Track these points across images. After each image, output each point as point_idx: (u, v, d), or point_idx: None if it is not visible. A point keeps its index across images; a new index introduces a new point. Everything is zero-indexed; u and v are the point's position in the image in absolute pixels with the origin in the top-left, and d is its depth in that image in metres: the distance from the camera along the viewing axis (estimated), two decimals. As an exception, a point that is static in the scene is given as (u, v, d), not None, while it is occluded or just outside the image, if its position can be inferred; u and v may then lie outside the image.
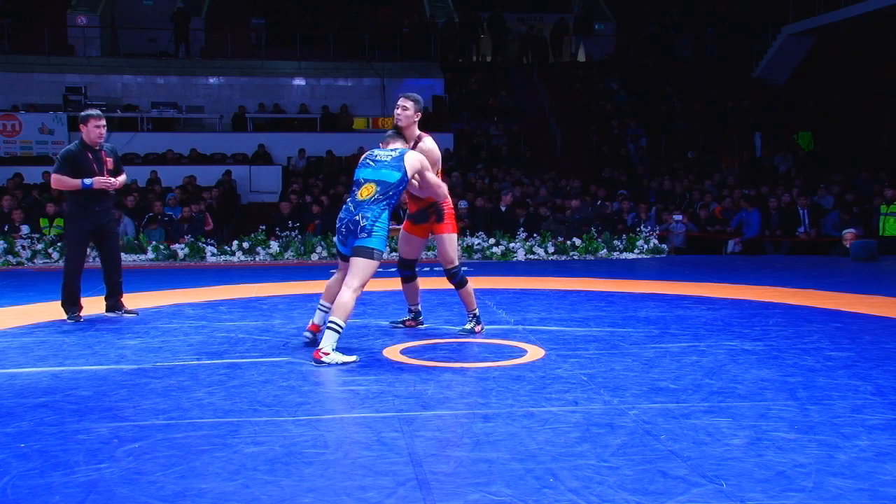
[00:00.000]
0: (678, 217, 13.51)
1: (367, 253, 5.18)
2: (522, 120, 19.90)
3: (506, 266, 11.28)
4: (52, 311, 7.06)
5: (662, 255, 12.61)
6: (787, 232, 13.44)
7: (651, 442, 3.42)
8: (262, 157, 18.04)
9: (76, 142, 6.68)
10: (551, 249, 12.38)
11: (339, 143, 18.41)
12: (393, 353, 5.31)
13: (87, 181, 6.49)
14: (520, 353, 5.30)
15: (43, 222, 12.92)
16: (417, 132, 5.83)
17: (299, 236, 12.41)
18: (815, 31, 19.69)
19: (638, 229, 13.10)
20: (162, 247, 12.10)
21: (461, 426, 3.67)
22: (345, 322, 5.13)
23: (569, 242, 12.57)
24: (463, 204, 13.99)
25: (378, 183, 5.33)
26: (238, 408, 4.01)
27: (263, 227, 12.61)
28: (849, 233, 12.31)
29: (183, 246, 12.15)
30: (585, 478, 3.02)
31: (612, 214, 14.24)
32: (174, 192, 14.66)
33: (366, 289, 7.34)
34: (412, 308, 6.40)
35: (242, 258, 12.10)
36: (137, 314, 6.90)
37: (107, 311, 6.90)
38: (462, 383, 4.48)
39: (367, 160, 5.52)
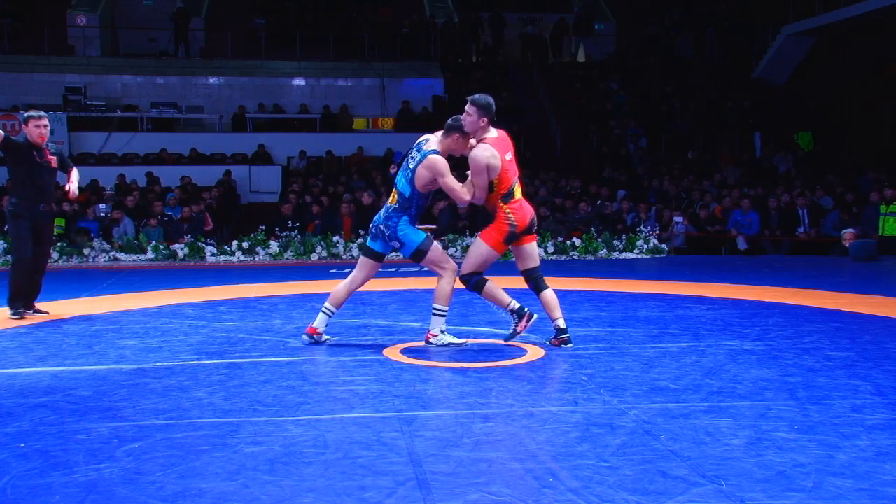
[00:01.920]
0: (678, 218, 13.51)
1: (419, 255, 5.40)
2: (522, 120, 19.90)
3: (505, 266, 11.26)
4: (52, 311, 7.06)
5: (662, 255, 12.61)
6: (786, 232, 13.44)
7: (651, 442, 3.42)
8: (261, 157, 18.03)
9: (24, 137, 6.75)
10: (551, 249, 12.37)
11: (339, 143, 18.41)
12: (393, 352, 5.32)
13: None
14: (520, 352, 5.30)
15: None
16: (486, 136, 5.38)
17: (299, 236, 12.42)
18: (814, 31, 19.68)
19: (638, 229, 13.10)
20: (161, 247, 12.10)
21: (461, 426, 3.67)
22: (447, 305, 5.42)
23: (569, 242, 12.57)
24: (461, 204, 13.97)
25: (398, 193, 5.45)
26: (238, 408, 4.01)
27: (263, 227, 12.61)
28: (848, 232, 12.31)
29: (182, 246, 12.15)
30: (585, 478, 3.02)
31: (611, 214, 14.24)
32: (174, 192, 14.67)
33: (366, 289, 7.35)
34: (554, 324, 5.55)
35: (242, 258, 12.10)
36: (48, 313, 6.85)
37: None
38: (462, 383, 4.48)
39: (407, 160, 5.47)
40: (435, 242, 5.49)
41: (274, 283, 9.37)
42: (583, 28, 23.15)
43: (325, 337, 5.69)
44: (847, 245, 12.08)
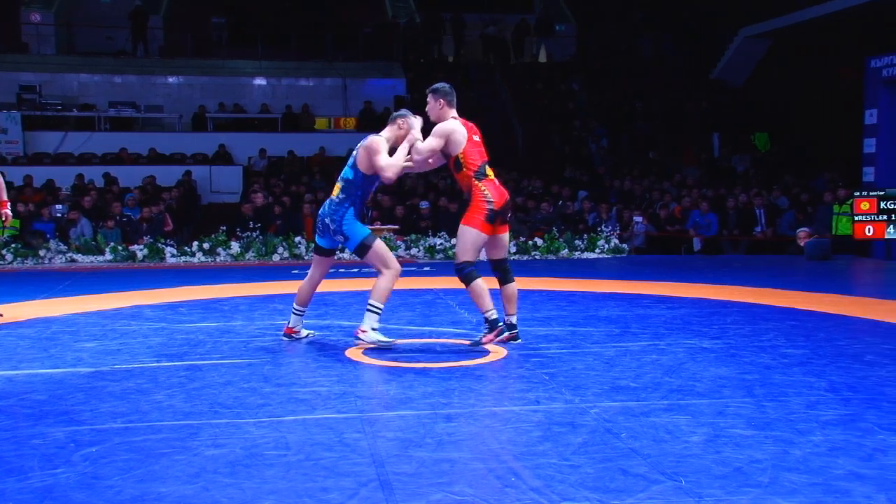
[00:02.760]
0: (638, 218, 13.65)
1: (363, 249, 5.43)
2: (484, 120, 19.92)
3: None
4: (6, 313, 6.92)
5: (623, 255, 12.74)
6: (744, 232, 13.65)
7: (612, 440, 3.45)
8: (222, 157, 17.85)
9: None
10: (513, 249, 12.43)
11: (301, 144, 18.29)
12: (355, 353, 5.30)
13: None
14: (482, 352, 5.31)
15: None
16: (449, 118, 5.58)
17: (260, 237, 12.32)
18: (771, 33, 20.02)
19: (599, 229, 13.22)
20: (120, 248, 11.93)
21: (423, 426, 3.67)
22: (382, 303, 5.44)
23: (530, 242, 12.63)
24: (424, 204, 14.00)
25: (341, 180, 5.53)
26: (198, 410, 3.97)
27: (224, 228, 12.49)
28: (802, 231, 12.55)
29: (142, 247, 11.99)
30: (547, 476, 3.04)
31: (573, 214, 14.35)
32: (133, 193, 14.46)
33: (328, 289, 7.33)
34: (507, 319, 5.67)
35: (203, 259, 11.98)
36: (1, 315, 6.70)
37: None
38: (424, 383, 4.48)
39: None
40: (379, 240, 5.50)
41: (235, 284, 9.29)
42: (544, 29, 23.29)
43: (304, 332, 5.82)
44: (802, 244, 12.32)
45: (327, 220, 5.47)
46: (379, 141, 5.42)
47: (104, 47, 21.21)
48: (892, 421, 3.71)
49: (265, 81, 20.68)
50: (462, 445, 3.40)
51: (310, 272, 5.77)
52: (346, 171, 5.52)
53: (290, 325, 5.79)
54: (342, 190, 5.49)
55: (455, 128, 5.48)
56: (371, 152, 5.37)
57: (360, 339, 5.47)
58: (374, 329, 5.45)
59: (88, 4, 22.59)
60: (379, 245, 5.45)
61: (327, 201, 5.56)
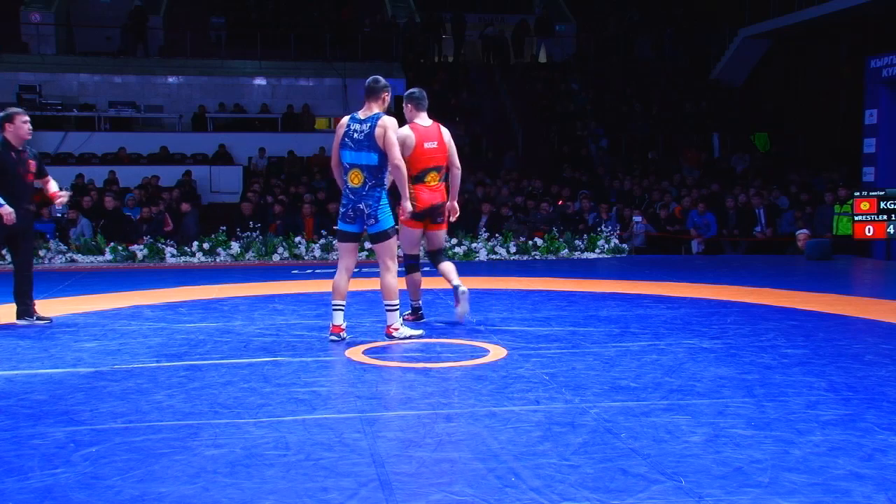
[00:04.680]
0: (637, 218, 13.65)
1: (383, 236, 5.66)
2: (484, 120, 19.95)
3: (468, 266, 11.30)
4: (6, 313, 6.92)
5: (623, 255, 12.73)
6: (744, 232, 13.65)
7: (612, 440, 3.46)
8: (222, 157, 17.85)
9: None
10: (513, 249, 12.43)
11: (301, 143, 18.29)
12: (355, 353, 5.30)
13: (2, 201, 6.12)
14: (482, 352, 5.32)
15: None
16: (416, 120, 6.30)
17: (260, 237, 12.32)
18: (770, 33, 20.03)
19: (599, 229, 13.21)
20: (120, 248, 11.93)
21: (423, 426, 3.67)
22: (398, 298, 5.75)
23: (530, 242, 12.63)
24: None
25: (364, 168, 5.59)
26: (198, 410, 3.97)
27: (224, 228, 12.49)
28: (802, 233, 12.56)
29: (142, 247, 11.98)
30: (547, 476, 3.04)
31: (573, 214, 14.35)
32: (133, 193, 14.45)
33: (327, 289, 7.31)
34: (412, 303, 6.60)
35: (203, 259, 11.97)
36: (51, 321, 6.54)
37: (18, 317, 6.51)
38: (424, 383, 4.48)
39: (346, 138, 5.67)
40: (394, 238, 5.77)
41: (235, 283, 9.29)
42: (544, 29, 23.29)
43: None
44: (801, 246, 12.32)
45: (361, 206, 5.58)
46: (393, 120, 5.62)
47: (104, 47, 21.21)
48: (892, 421, 3.71)
49: (265, 81, 20.68)
50: (462, 445, 3.40)
51: (341, 264, 5.83)
52: (365, 157, 5.56)
53: (336, 324, 5.75)
54: (369, 176, 5.57)
55: (408, 134, 6.16)
56: (389, 127, 5.57)
57: (393, 336, 5.74)
58: (402, 324, 5.81)
59: (88, 4, 22.58)
60: (394, 241, 5.77)
61: (351, 192, 5.62)
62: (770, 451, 3.30)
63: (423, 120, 6.33)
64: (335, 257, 11.88)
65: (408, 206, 5.83)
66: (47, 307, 6.95)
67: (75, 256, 11.87)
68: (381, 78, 5.84)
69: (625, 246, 12.95)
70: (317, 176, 16.35)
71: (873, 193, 12.02)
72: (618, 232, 13.20)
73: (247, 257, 12.05)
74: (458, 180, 6.53)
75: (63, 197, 6.88)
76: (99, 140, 17.88)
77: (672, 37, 23.12)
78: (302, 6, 23.13)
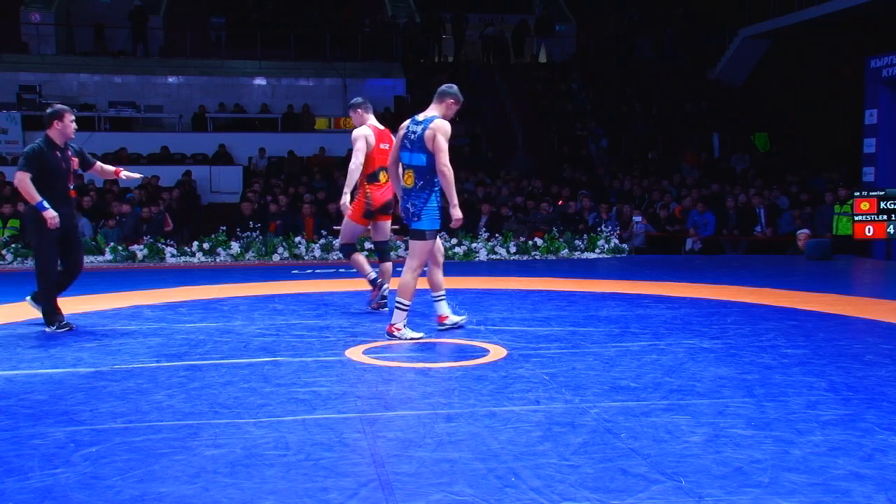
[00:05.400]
0: (637, 218, 13.65)
1: (419, 235, 5.71)
2: (484, 120, 19.96)
3: (468, 266, 11.30)
4: (6, 313, 6.92)
5: (623, 255, 12.73)
6: (744, 231, 13.66)
7: (612, 440, 3.46)
8: (222, 157, 17.85)
9: (41, 139, 6.16)
10: (513, 249, 12.43)
11: (301, 144, 18.29)
12: (355, 353, 5.30)
13: (45, 205, 5.97)
14: (482, 352, 5.32)
15: (-3, 223, 12.67)
16: (368, 123, 6.85)
17: (260, 237, 12.32)
18: (770, 33, 20.03)
19: (599, 229, 13.21)
20: (120, 248, 11.93)
21: (423, 426, 3.67)
22: (410, 300, 5.72)
23: (530, 242, 12.63)
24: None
25: (415, 170, 5.68)
26: (198, 410, 3.97)
27: (224, 228, 12.49)
28: (802, 233, 12.56)
29: (142, 247, 11.98)
30: (547, 476, 3.04)
31: (573, 214, 14.35)
32: (133, 193, 14.45)
33: (328, 289, 7.34)
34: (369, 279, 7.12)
35: (203, 259, 11.97)
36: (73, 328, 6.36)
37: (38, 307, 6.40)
38: (424, 383, 4.48)
39: (404, 140, 5.75)
40: (434, 241, 5.78)
41: (235, 284, 9.28)
42: (544, 29, 23.29)
43: (456, 318, 6.07)
44: (801, 246, 12.32)
45: (409, 206, 5.73)
46: (446, 125, 5.65)
47: (104, 47, 21.21)
48: (892, 421, 3.71)
49: (265, 81, 20.69)
50: (462, 445, 3.40)
51: (431, 258, 5.98)
52: (416, 158, 5.64)
53: (441, 314, 6.01)
54: (418, 177, 5.66)
55: (366, 134, 6.70)
56: (438, 130, 5.59)
57: (393, 335, 5.74)
58: (405, 325, 5.80)
59: (88, 4, 22.58)
60: (430, 245, 5.75)
61: (403, 192, 5.78)
62: (770, 451, 3.30)
63: (376, 123, 6.91)
64: (335, 257, 11.90)
65: (457, 213, 5.71)
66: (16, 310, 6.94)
67: (75, 256, 11.86)
68: (454, 85, 5.93)
69: (625, 246, 12.95)
70: (317, 176, 16.35)
71: (873, 193, 12.02)
72: (618, 232, 13.21)
73: (247, 257, 12.05)
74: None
75: (131, 174, 6.72)
76: (99, 140, 17.85)
77: (672, 37, 23.11)
78: (302, 6, 23.14)
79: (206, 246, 12.05)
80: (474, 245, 12.32)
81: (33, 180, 6.02)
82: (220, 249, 12.06)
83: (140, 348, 5.52)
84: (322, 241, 12.19)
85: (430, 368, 4.87)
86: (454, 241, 12.34)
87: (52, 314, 6.23)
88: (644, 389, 4.30)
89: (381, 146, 6.74)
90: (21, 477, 3.07)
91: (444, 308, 6.07)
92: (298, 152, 18.04)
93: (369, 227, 7.08)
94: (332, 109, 20.32)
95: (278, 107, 19.85)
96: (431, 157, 5.61)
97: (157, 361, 5.09)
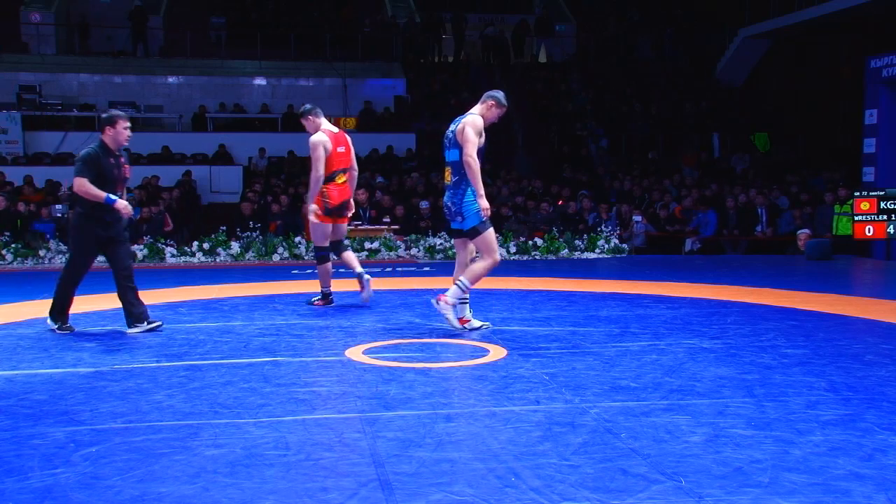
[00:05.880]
0: (637, 218, 13.66)
1: (473, 232, 5.86)
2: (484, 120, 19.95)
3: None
4: (6, 313, 6.92)
5: (623, 255, 12.73)
6: (744, 231, 13.66)
7: (612, 440, 3.45)
8: (222, 157, 17.85)
9: (95, 144, 6.04)
10: (513, 249, 12.43)
11: (301, 144, 18.10)
12: (356, 353, 5.30)
13: (112, 198, 5.90)
14: (482, 352, 5.31)
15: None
16: (323, 128, 7.23)
17: (260, 237, 12.32)
18: (770, 33, 20.03)
19: (599, 229, 13.21)
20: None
21: (423, 426, 3.67)
22: (472, 284, 5.92)
23: (530, 242, 12.63)
24: (424, 204, 14.00)
25: (450, 164, 5.88)
26: (198, 410, 3.97)
27: (224, 228, 12.49)
28: (803, 233, 12.56)
29: (142, 247, 11.98)
30: (547, 476, 3.04)
31: (573, 214, 14.35)
32: (133, 193, 14.45)
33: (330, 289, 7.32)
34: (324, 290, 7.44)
35: (203, 259, 11.97)
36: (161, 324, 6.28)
37: (129, 326, 6.21)
38: (424, 383, 4.48)
39: (445, 138, 5.97)
40: (491, 228, 5.90)
41: (235, 283, 9.28)
42: (544, 29, 23.30)
43: (476, 323, 6.08)
44: (801, 246, 12.32)
45: (449, 204, 5.90)
46: (477, 120, 5.81)
47: (104, 47, 21.21)
48: (892, 421, 3.71)
49: (265, 81, 20.69)
50: (462, 445, 3.40)
51: (457, 259, 6.21)
52: (451, 153, 5.85)
53: (462, 316, 6.06)
54: (454, 172, 5.84)
55: (323, 141, 7.06)
56: (468, 123, 5.76)
57: (439, 305, 5.96)
58: (454, 305, 5.94)
59: (88, 4, 22.59)
60: (490, 233, 5.88)
61: (446, 187, 5.98)
62: (770, 451, 3.30)
63: (329, 126, 7.27)
64: (335, 258, 11.88)
65: (483, 203, 5.79)
66: (48, 307, 6.93)
67: (75, 256, 11.85)
68: (501, 91, 6.07)
69: (625, 246, 12.95)
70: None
71: (873, 193, 12.02)
72: (618, 232, 13.21)
73: (247, 257, 12.05)
74: (356, 180, 7.47)
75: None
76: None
77: (672, 37, 23.12)
78: (302, 6, 23.14)
79: (206, 246, 12.05)
80: (474, 245, 12.31)
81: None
82: (220, 249, 12.07)
83: (140, 348, 5.52)
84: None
85: (430, 368, 4.87)
86: (454, 240, 12.32)
87: (60, 313, 6.17)
88: (644, 389, 4.30)
89: (338, 150, 7.11)
90: (21, 477, 3.07)
91: (463, 310, 6.15)
92: (298, 152, 18.02)
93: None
94: (332, 109, 20.29)
95: (278, 107, 19.85)
96: (461, 152, 5.79)
97: (157, 361, 5.09)
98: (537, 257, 12.42)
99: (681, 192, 15.19)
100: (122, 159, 6.19)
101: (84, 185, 5.90)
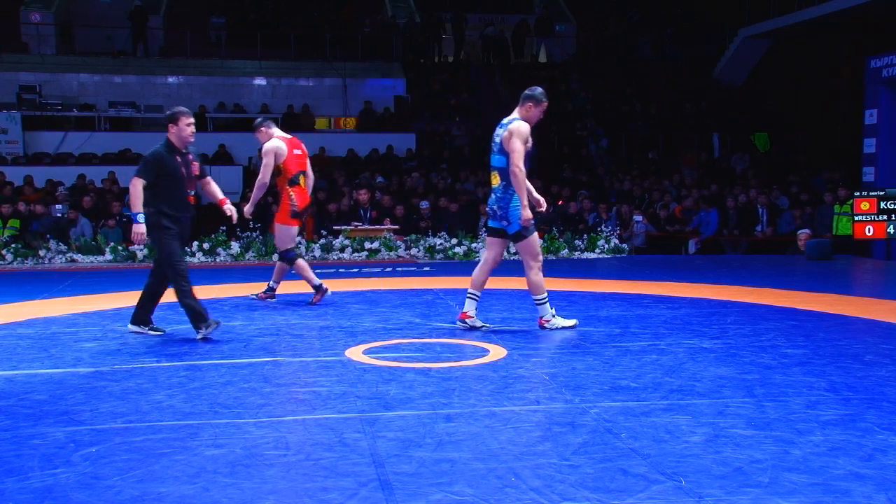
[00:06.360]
0: (638, 218, 13.65)
1: (519, 237, 5.94)
2: (484, 120, 19.97)
3: (468, 266, 11.28)
4: (6, 313, 6.92)
5: (623, 255, 12.73)
6: (744, 231, 13.65)
7: (612, 440, 3.45)
8: (222, 157, 17.84)
9: (162, 143, 5.97)
10: (513, 249, 12.42)
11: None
12: (356, 353, 5.30)
13: (139, 219, 5.76)
14: (482, 352, 5.32)
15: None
16: (277, 135, 7.49)
17: (260, 237, 12.31)
18: (770, 33, 20.03)
19: (599, 229, 13.21)
20: (120, 248, 11.92)
21: (423, 426, 3.67)
22: (544, 292, 6.02)
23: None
24: (424, 204, 14.00)
25: (498, 171, 5.93)
26: (198, 410, 3.97)
27: (224, 228, 12.48)
28: (803, 233, 12.55)
29: (142, 247, 11.98)
30: (547, 476, 3.04)
31: (573, 214, 14.34)
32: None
33: (329, 289, 7.34)
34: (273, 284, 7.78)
35: (203, 259, 11.97)
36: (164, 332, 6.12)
37: (132, 322, 6.09)
38: (424, 383, 4.48)
39: (491, 143, 6.01)
40: (536, 232, 6.00)
41: (235, 283, 9.28)
42: (544, 29, 23.29)
43: (478, 323, 6.12)
44: (801, 246, 12.32)
45: (494, 207, 5.97)
46: (523, 127, 5.85)
47: (104, 47, 21.21)
48: (892, 421, 3.71)
49: (265, 81, 20.68)
50: (462, 445, 3.40)
51: (483, 256, 6.27)
52: (497, 159, 5.90)
53: (465, 311, 6.15)
54: (501, 177, 5.90)
55: (278, 144, 7.33)
56: (514, 133, 5.81)
57: (545, 327, 6.09)
58: (553, 315, 6.11)
59: (88, 4, 22.58)
60: (535, 237, 6.00)
61: (492, 191, 6.01)
62: (770, 451, 3.30)
63: (282, 134, 7.55)
64: (335, 257, 11.90)
65: (526, 213, 5.86)
66: (48, 307, 6.95)
67: (75, 256, 11.87)
68: (538, 88, 6.06)
69: (625, 246, 12.94)
70: (316, 176, 16.31)
71: (873, 193, 12.02)
72: (618, 232, 13.21)
73: (247, 257, 12.05)
74: (312, 184, 7.86)
75: (233, 211, 6.44)
76: (99, 140, 17.87)
77: (672, 37, 23.11)
78: (302, 6, 23.13)
79: (206, 246, 12.05)
80: (474, 245, 12.32)
81: (152, 185, 5.84)
82: (220, 249, 12.06)
83: (140, 348, 5.52)
84: (322, 241, 12.19)
85: (430, 368, 4.87)
86: (454, 241, 12.34)
87: (199, 317, 5.82)
88: (644, 389, 4.30)
89: (295, 152, 7.42)
90: (21, 477, 3.07)
91: (472, 308, 6.21)
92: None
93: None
94: (332, 109, 20.31)
95: (278, 107, 19.84)
96: (508, 158, 5.83)
97: (157, 361, 5.09)
98: (537, 257, 12.41)
99: (681, 192, 15.18)
100: (191, 156, 6.11)
101: (134, 188, 5.77)
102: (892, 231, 11.82)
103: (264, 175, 7.34)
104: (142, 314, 6.12)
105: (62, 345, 5.65)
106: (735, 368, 4.78)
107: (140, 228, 5.80)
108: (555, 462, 3.19)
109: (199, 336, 5.77)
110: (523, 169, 5.79)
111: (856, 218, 11.98)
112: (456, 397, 4.19)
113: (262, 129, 7.55)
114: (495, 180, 5.99)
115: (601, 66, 22.48)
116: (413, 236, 12.55)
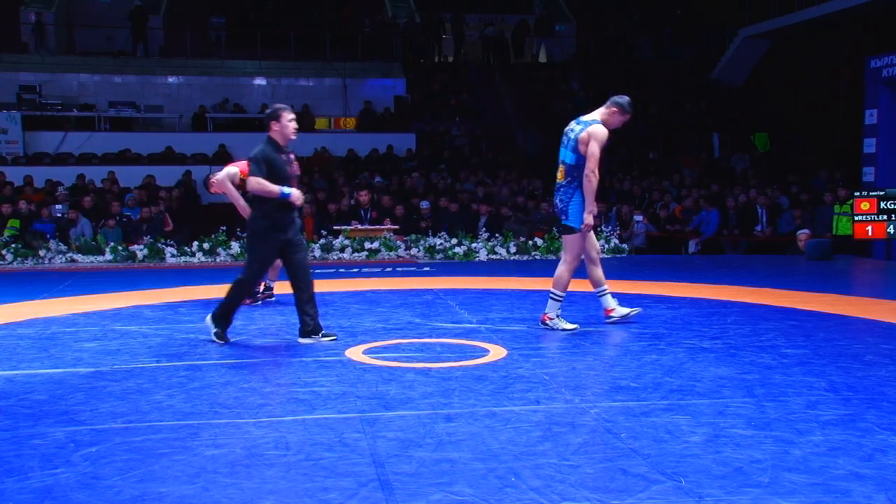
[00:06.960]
0: (638, 217, 13.65)
1: (569, 230, 6.02)
2: (484, 121, 19.96)
3: (468, 266, 11.30)
4: (6, 313, 6.92)
5: (623, 255, 12.73)
6: (744, 231, 13.65)
7: (612, 440, 3.45)
8: (222, 157, 17.84)
9: (265, 142, 5.80)
10: (513, 249, 12.42)
11: (301, 144, 18.15)
12: (356, 353, 5.30)
13: (287, 191, 5.61)
14: (482, 352, 5.32)
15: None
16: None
17: (260, 237, 12.30)
18: (770, 33, 20.03)
19: (599, 229, 13.21)
20: (120, 248, 11.92)
21: (424, 426, 3.67)
22: (563, 292, 6.06)
23: (530, 242, 12.63)
24: (424, 204, 14.00)
25: (565, 165, 5.94)
26: (198, 410, 3.97)
27: (224, 228, 12.48)
28: (803, 233, 12.55)
29: (142, 247, 11.98)
30: (547, 476, 3.04)
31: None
32: (133, 193, 14.45)
33: (329, 289, 7.35)
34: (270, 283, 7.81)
35: (203, 259, 11.97)
36: (336, 338, 5.86)
37: (301, 336, 5.81)
38: (424, 383, 4.48)
39: (564, 136, 6.01)
40: (587, 235, 6.01)
41: (235, 284, 9.27)
42: (544, 29, 23.30)
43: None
44: (801, 246, 12.32)
45: (557, 201, 6.03)
46: (602, 131, 5.81)
47: (104, 47, 21.21)
48: (892, 421, 3.71)
49: (265, 81, 20.68)
50: (462, 445, 3.40)
51: (563, 256, 6.27)
52: (567, 155, 5.90)
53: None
54: (567, 174, 5.91)
55: (236, 170, 7.22)
56: (592, 136, 5.77)
57: (546, 324, 6.09)
58: (557, 316, 6.09)
59: (88, 4, 22.58)
60: (581, 239, 6.03)
61: (557, 185, 6.04)
62: (770, 451, 3.30)
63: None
64: (335, 257, 11.90)
65: (588, 219, 5.93)
66: (48, 307, 6.95)
67: (75, 256, 11.87)
68: (627, 97, 5.99)
69: (625, 246, 12.94)
70: (316, 176, 16.34)
71: (873, 193, 12.02)
72: (618, 232, 13.20)
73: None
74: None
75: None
76: (99, 140, 17.87)
77: (672, 37, 23.11)
78: (302, 6, 23.13)
79: (206, 246, 12.05)
80: (474, 245, 12.32)
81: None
82: (220, 249, 12.06)
83: (140, 348, 5.52)
84: (322, 240, 12.19)
85: (430, 368, 4.87)
86: (454, 241, 12.34)
87: (225, 322, 5.81)
88: (644, 389, 4.30)
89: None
90: (21, 477, 3.07)
91: (609, 301, 6.29)
92: (298, 152, 17.80)
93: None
94: (332, 109, 20.32)
95: (278, 107, 19.82)
96: (581, 157, 5.82)
97: (157, 361, 5.10)
98: (537, 257, 12.42)
99: (681, 192, 15.18)
100: (292, 155, 5.97)
101: (259, 183, 5.56)
102: (892, 231, 11.82)
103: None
104: (307, 320, 5.84)
105: (62, 345, 5.66)
106: (735, 368, 4.78)
107: (295, 194, 5.66)
108: (555, 462, 3.19)
109: (211, 331, 5.75)
110: (598, 175, 5.82)
111: (856, 218, 11.98)
112: (456, 397, 4.19)
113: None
114: (561, 175, 6.00)
115: (601, 66, 22.48)
116: (413, 236, 12.55)
